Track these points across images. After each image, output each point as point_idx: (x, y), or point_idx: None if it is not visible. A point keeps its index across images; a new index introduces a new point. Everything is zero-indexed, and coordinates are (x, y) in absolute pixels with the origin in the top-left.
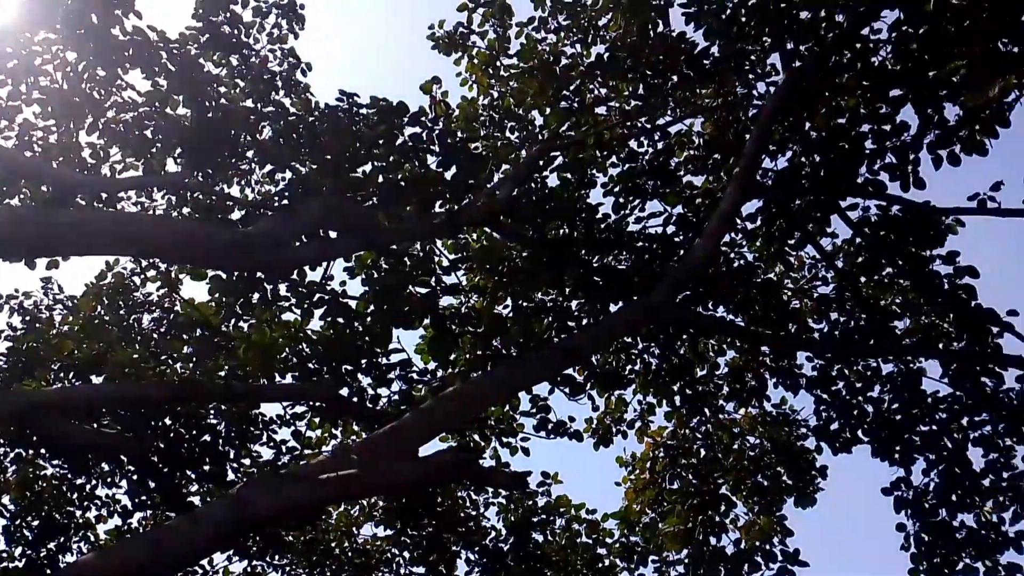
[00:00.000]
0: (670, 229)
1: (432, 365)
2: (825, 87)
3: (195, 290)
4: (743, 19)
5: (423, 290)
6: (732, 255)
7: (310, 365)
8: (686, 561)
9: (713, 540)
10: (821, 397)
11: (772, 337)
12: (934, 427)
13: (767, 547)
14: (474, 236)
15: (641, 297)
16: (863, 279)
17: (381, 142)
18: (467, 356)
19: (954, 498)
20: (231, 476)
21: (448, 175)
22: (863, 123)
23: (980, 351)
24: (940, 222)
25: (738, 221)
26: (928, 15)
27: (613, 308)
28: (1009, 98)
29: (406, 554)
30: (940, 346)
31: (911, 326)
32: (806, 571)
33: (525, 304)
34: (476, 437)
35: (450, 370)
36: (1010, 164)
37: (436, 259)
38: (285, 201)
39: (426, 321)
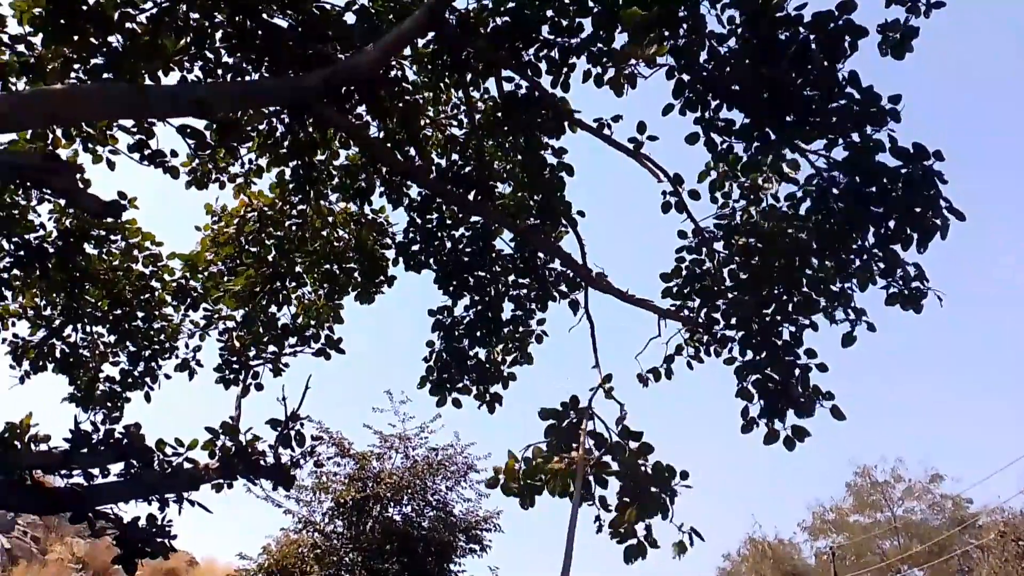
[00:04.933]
0: (350, 19)
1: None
2: None
3: None
4: None
5: None
6: (394, 64)
7: None
8: (239, 319)
9: (273, 309)
10: (415, 220)
11: (392, 159)
12: (487, 277)
13: (317, 329)
14: None
15: (294, 76)
16: (488, 138)
17: None
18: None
19: (478, 334)
20: None
21: None
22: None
23: (547, 232)
24: (563, 119)
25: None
26: None
27: (256, 75)
28: (656, 62)
29: None
30: (517, 220)
31: (508, 194)
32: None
33: (166, 16)
34: (59, 132)
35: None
36: (640, 112)
37: None
38: None
39: None
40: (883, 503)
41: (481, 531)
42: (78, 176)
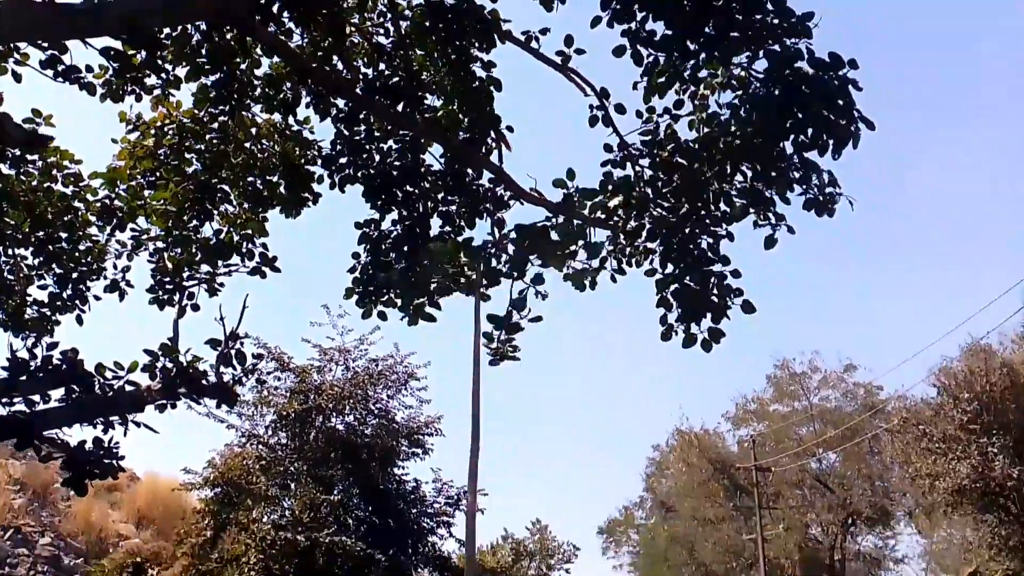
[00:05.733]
0: None
1: None
2: None
3: None
4: None
5: None
6: None
7: None
8: (166, 237)
9: (196, 223)
10: (342, 132)
11: (319, 72)
12: (415, 192)
13: (246, 246)
14: None
15: None
16: (416, 48)
17: None
18: None
19: (405, 248)
20: None
21: None
22: None
23: (474, 147)
24: (491, 30)
25: None
26: None
27: None
28: None
29: None
30: (448, 133)
31: (437, 106)
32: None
33: None
34: None
35: None
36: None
37: None
38: None
39: None
40: (801, 393)
41: (423, 435)
42: None
